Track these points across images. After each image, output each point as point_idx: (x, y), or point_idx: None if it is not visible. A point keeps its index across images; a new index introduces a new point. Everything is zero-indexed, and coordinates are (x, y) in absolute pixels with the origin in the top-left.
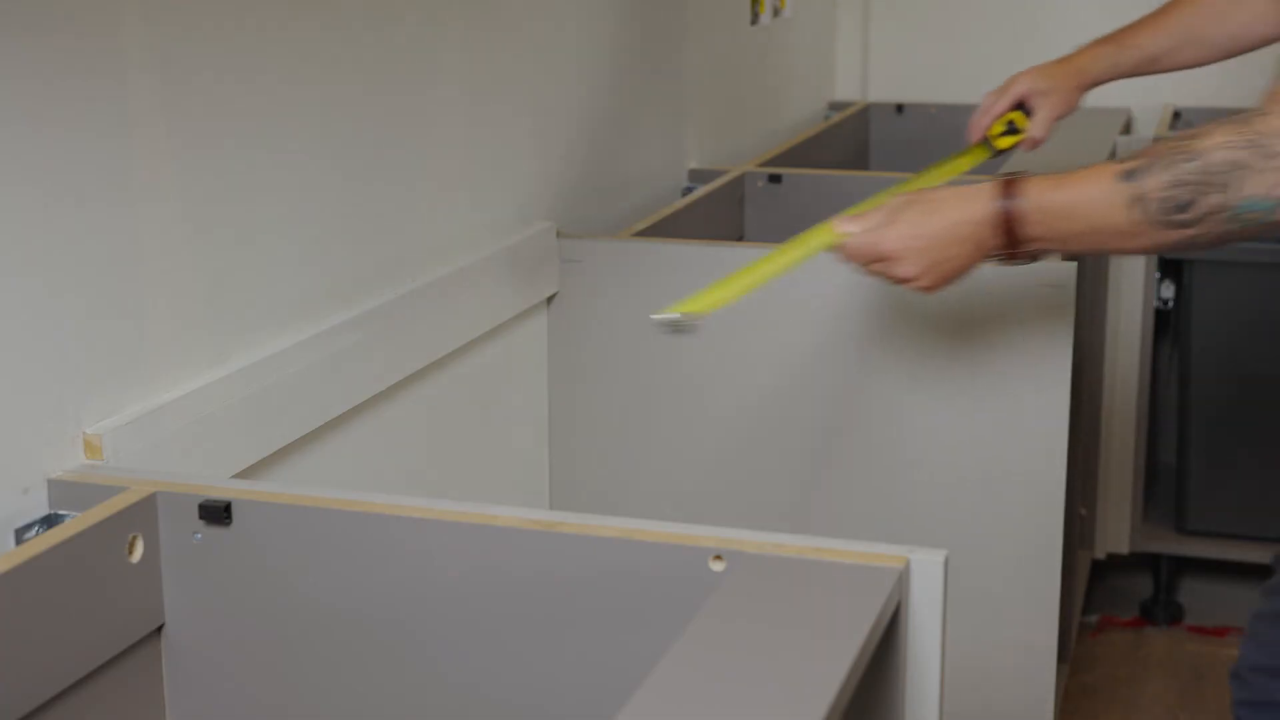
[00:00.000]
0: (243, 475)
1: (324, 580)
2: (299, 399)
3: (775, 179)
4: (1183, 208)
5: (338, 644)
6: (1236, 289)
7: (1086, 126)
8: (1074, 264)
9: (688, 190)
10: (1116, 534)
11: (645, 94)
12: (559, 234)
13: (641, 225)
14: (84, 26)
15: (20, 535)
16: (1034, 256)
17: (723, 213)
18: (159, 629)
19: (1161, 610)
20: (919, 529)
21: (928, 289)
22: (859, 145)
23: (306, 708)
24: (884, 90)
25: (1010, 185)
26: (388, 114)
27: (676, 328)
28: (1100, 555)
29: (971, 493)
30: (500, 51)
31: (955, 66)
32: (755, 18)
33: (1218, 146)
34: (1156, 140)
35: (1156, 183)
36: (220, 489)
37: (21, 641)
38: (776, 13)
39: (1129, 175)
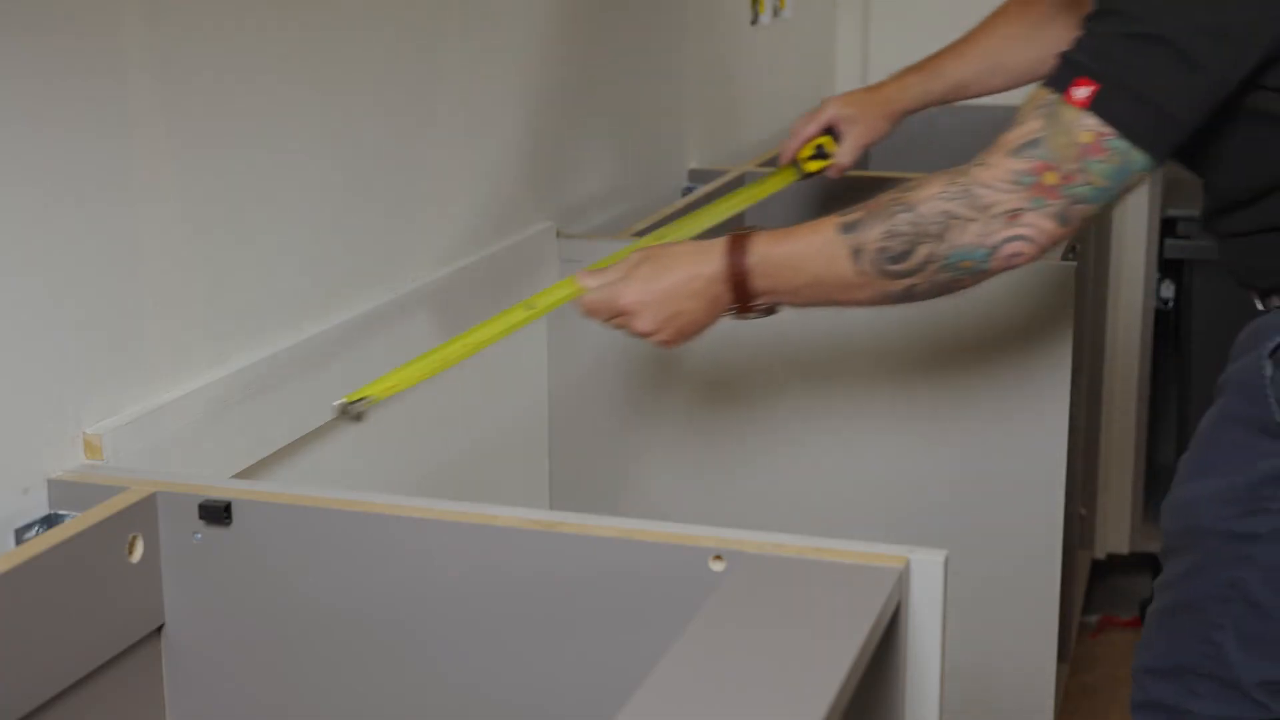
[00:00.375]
0: (243, 475)
1: (324, 580)
2: (299, 399)
3: None
4: (898, 258)
5: (338, 644)
6: (1236, 289)
7: None
8: (1074, 264)
9: (688, 190)
10: (1116, 534)
11: (645, 94)
12: (559, 234)
13: (641, 225)
14: (84, 26)
15: (20, 535)
16: (768, 310)
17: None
18: (159, 629)
19: None
20: (919, 529)
21: (667, 343)
22: None
23: (306, 708)
24: None
25: (738, 241)
26: (387, 114)
27: (344, 412)
28: (1100, 555)
29: (971, 493)
30: (500, 52)
31: None
32: (755, 18)
33: (932, 197)
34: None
35: (873, 234)
36: (220, 489)
37: (21, 641)
38: (776, 13)
39: (848, 228)
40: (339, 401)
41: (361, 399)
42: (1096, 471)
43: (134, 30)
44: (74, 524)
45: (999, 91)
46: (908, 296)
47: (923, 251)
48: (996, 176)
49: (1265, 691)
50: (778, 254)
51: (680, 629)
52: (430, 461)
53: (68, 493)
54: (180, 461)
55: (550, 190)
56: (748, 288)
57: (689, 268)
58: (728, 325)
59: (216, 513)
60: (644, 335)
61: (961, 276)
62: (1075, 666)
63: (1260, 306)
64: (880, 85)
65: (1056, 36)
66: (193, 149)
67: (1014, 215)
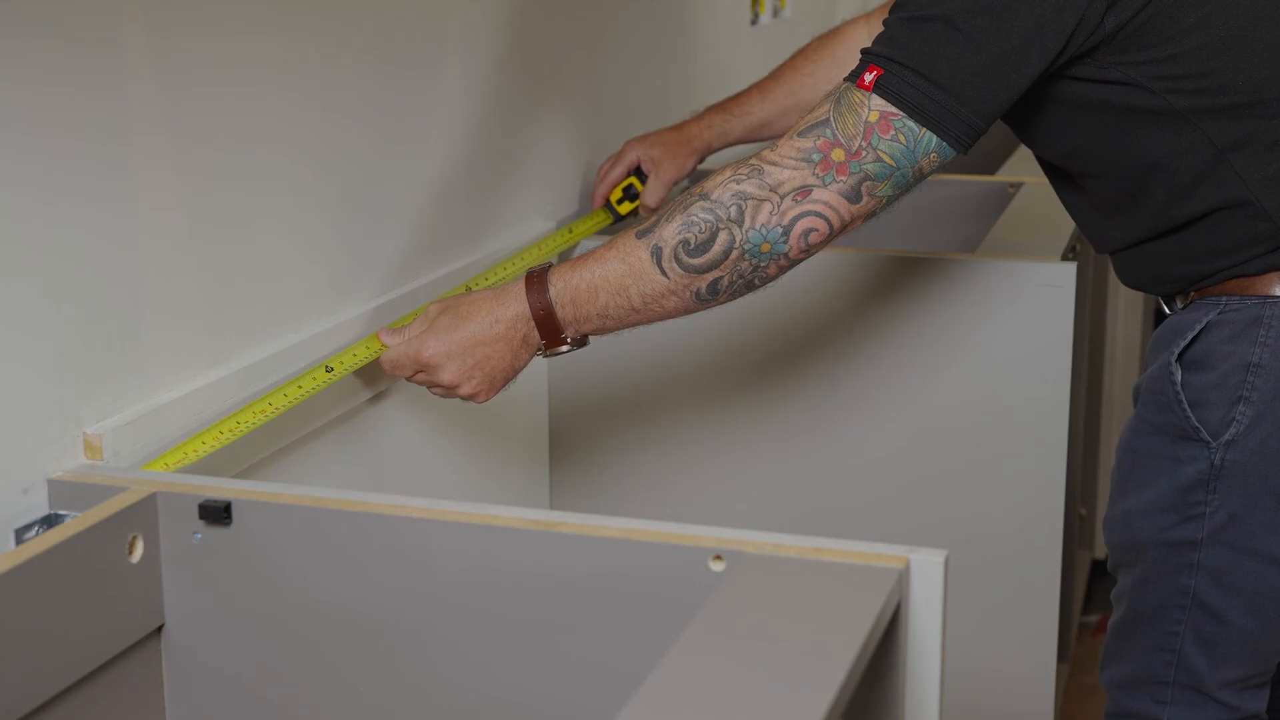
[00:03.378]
0: (243, 475)
1: (324, 580)
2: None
3: None
4: (699, 249)
5: (338, 644)
6: None
7: None
8: (1074, 264)
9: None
10: None
11: (645, 94)
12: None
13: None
14: (83, 31)
15: (20, 535)
16: (579, 343)
17: None
18: (159, 629)
19: None
20: (919, 529)
21: (473, 395)
22: None
23: (306, 708)
24: None
25: (536, 277)
26: (387, 114)
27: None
28: (1100, 555)
29: (971, 493)
30: (500, 52)
31: None
32: (755, 18)
33: (725, 182)
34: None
35: (671, 229)
36: (220, 489)
37: (21, 641)
38: (776, 13)
39: (644, 232)
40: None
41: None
42: (1096, 471)
43: (133, 34)
44: (74, 524)
45: None
46: (712, 293)
47: (723, 238)
48: (784, 155)
49: (1231, 692)
50: (578, 279)
51: (680, 629)
52: (430, 461)
53: (68, 493)
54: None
55: (550, 190)
56: (554, 321)
57: (488, 312)
58: (728, 326)
59: (216, 513)
60: (449, 389)
61: (764, 263)
62: (1075, 666)
63: (1168, 310)
64: (684, 124)
65: None
66: (192, 150)
67: (804, 192)
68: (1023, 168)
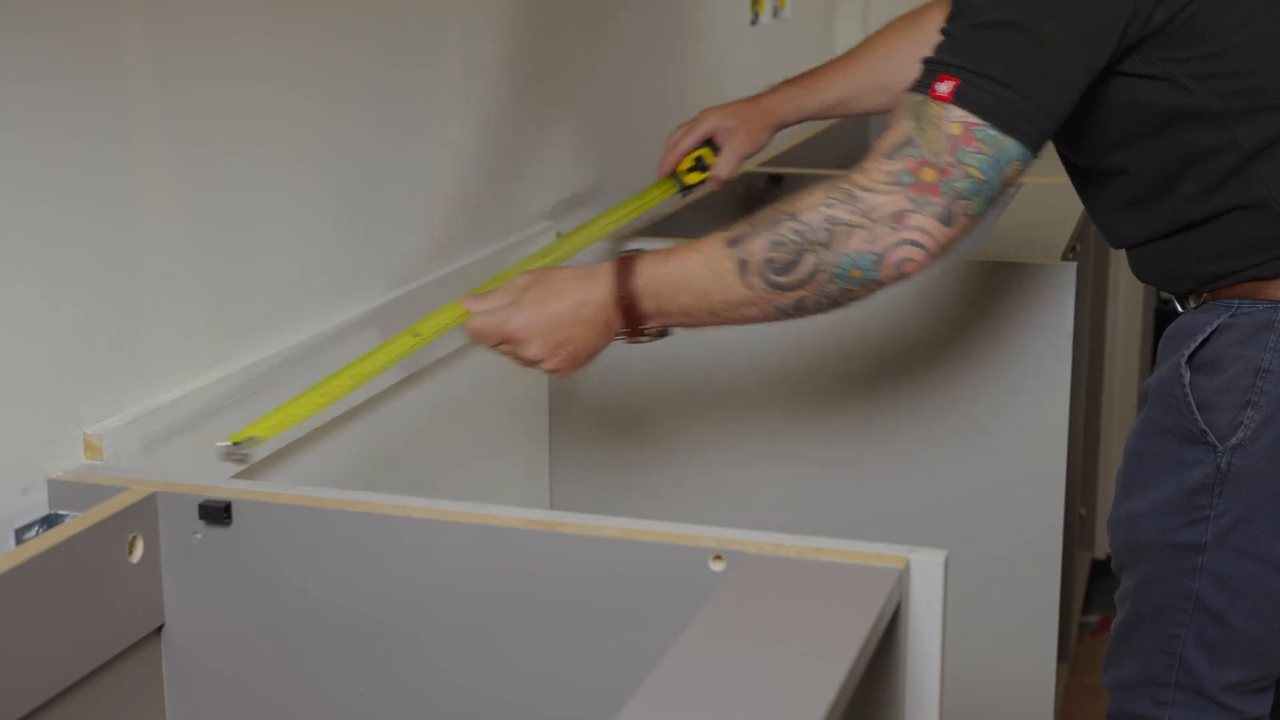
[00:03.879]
0: (243, 475)
1: (324, 580)
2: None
3: (775, 179)
4: (785, 269)
5: (337, 644)
6: None
7: None
8: (1074, 264)
9: (688, 190)
10: None
11: (645, 94)
12: (559, 234)
13: (641, 225)
14: (84, 31)
15: (20, 535)
16: (660, 334)
17: (723, 213)
18: (159, 629)
19: None
20: (919, 529)
21: (556, 371)
22: (859, 145)
23: (306, 708)
24: None
25: (624, 264)
26: (387, 114)
27: (230, 455)
28: (1100, 555)
29: (971, 493)
30: (500, 52)
31: None
32: (755, 18)
33: (816, 205)
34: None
35: (759, 246)
36: (220, 489)
37: (21, 641)
38: (776, 13)
39: (733, 241)
40: (222, 443)
41: (247, 439)
42: (1096, 471)
43: (133, 34)
44: (74, 524)
45: (877, 113)
46: (797, 310)
47: (810, 261)
48: (876, 180)
49: (1232, 695)
50: (664, 273)
51: (680, 629)
52: (430, 461)
53: (68, 493)
54: (180, 461)
55: (550, 190)
56: (637, 311)
57: (577, 293)
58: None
59: (216, 513)
60: (532, 362)
61: (852, 287)
62: (1075, 666)
63: (1180, 309)
64: (761, 96)
65: None
66: (192, 150)
67: (900, 218)
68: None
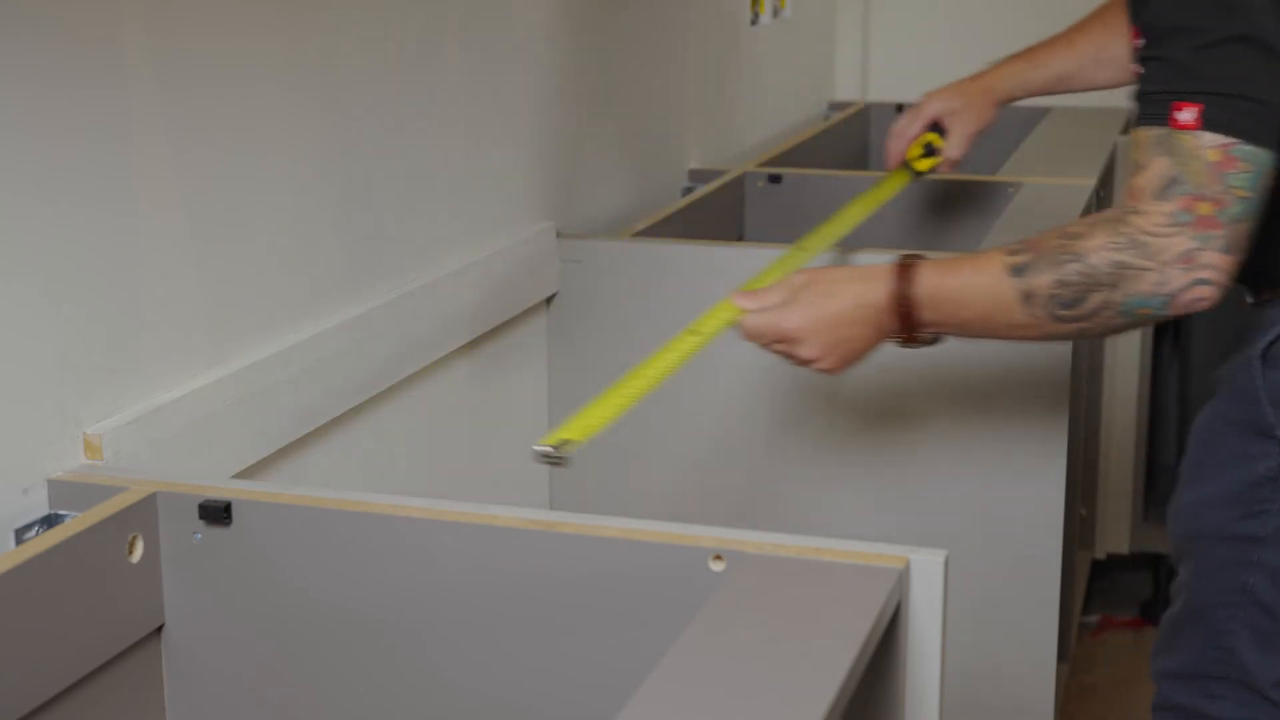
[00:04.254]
0: (243, 475)
1: (324, 580)
2: (299, 399)
3: (775, 179)
4: (1071, 304)
5: (338, 644)
6: (1236, 289)
7: (1086, 126)
8: None
9: (688, 190)
10: (1116, 534)
11: (645, 94)
12: (559, 234)
13: (641, 225)
14: (83, 30)
15: (20, 535)
16: (934, 339)
17: (723, 213)
18: (159, 629)
19: (1161, 610)
20: (919, 529)
21: (829, 370)
22: (859, 145)
23: (306, 708)
24: (884, 90)
25: (904, 270)
26: (387, 114)
27: (547, 459)
28: (1100, 555)
29: (971, 493)
30: (499, 52)
31: (955, 66)
32: (755, 18)
33: (1100, 248)
34: (1041, 233)
35: (1044, 281)
36: (220, 489)
37: (21, 641)
38: (776, 13)
39: (1017, 270)
40: (540, 447)
41: (561, 442)
42: (1096, 471)
43: (133, 34)
44: (74, 524)
45: (1101, 87)
46: (1077, 336)
47: (1096, 299)
48: (1157, 224)
49: None
50: (945, 288)
51: (680, 629)
52: (430, 461)
53: (68, 493)
54: (180, 461)
55: (550, 190)
56: (914, 318)
57: (855, 295)
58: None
59: (216, 513)
60: (806, 362)
61: (1138, 321)
62: (1075, 666)
63: (1251, 300)
64: (982, 74)
65: None
66: (192, 150)
67: (1189, 259)
68: (1023, 168)
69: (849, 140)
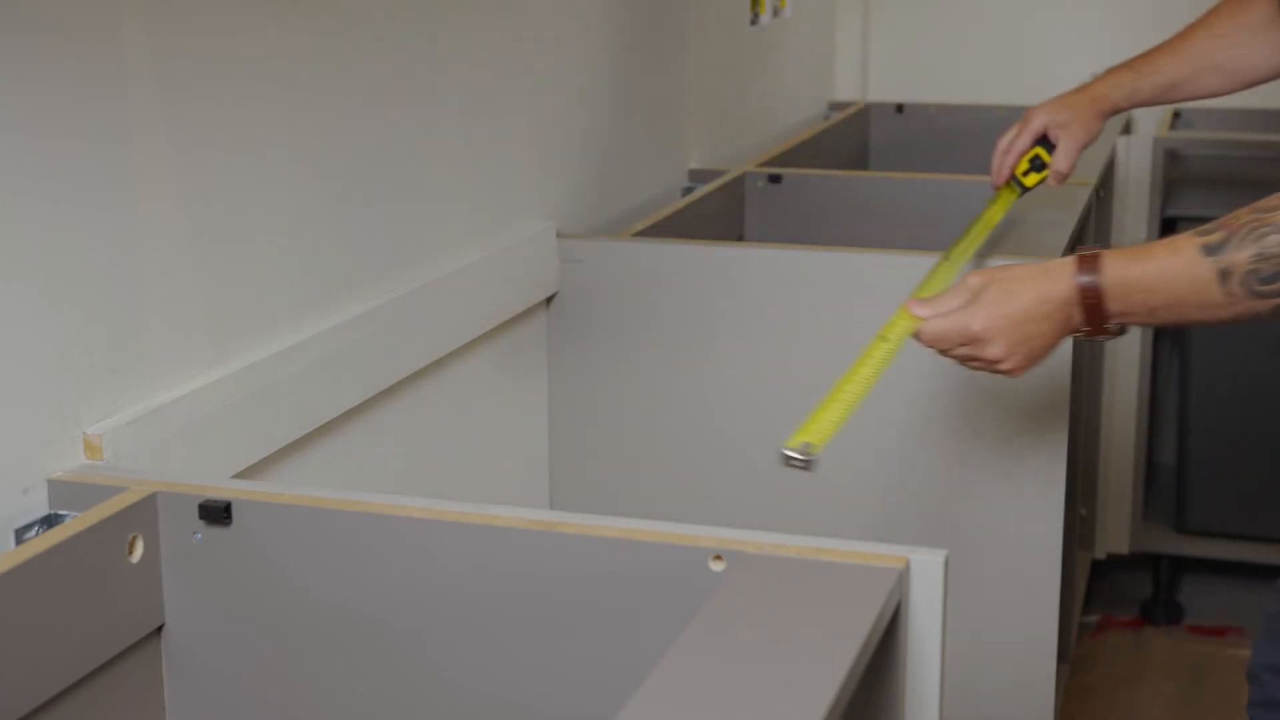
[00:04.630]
0: (243, 475)
1: (324, 580)
2: (299, 399)
3: (775, 179)
4: (1271, 279)
5: (338, 644)
6: None
7: None
8: None
9: (688, 190)
10: (1116, 534)
11: (645, 94)
12: (559, 234)
13: (641, 225)
14: (83, 30)
15: (20, 535)
16: (1120, 330)
17: (723, 213)
18: (159, 629)
19: (1161, 610)
20: (919, 529)
21: (1014, 370)
22: (859, 145)
23: (306, 708)
24: (884, 90)
25: (1088, 261)
26: (387, 114)
27: (792, 463)
28: (1100, 555)
29: (971, 493)
30: (500, 52)
31: (955, 66)
32: (755, 18)
33: None
34: (1230, 214)
35: (1242, 257)
36: (220, 489)
37: (21, 641)
38: (776, 13)
39: (1211, 249)
40: (788, 450)
41: (802, 444)
42: (1096, 471)
43: (133, 34)
44: (74, 524)
45: (1210, 95)
46: (1273, 314)
47: None
48: None
49: None
50: (1134, 276)
51: (680, 629)
52: (430, 461)
53: (68, 493)
54: (180, 461)
55: (550, 190)
56: (1101, 309)
57: (1038, 290)
58: (729, 325)
59: (216, 513)
60: (991, 363)
61: None
62: (1075, 666)
63: None
64: (1088, 85)
65: (1275, 43)
66: (192, 150)
67: None
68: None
69: (849, 140)
